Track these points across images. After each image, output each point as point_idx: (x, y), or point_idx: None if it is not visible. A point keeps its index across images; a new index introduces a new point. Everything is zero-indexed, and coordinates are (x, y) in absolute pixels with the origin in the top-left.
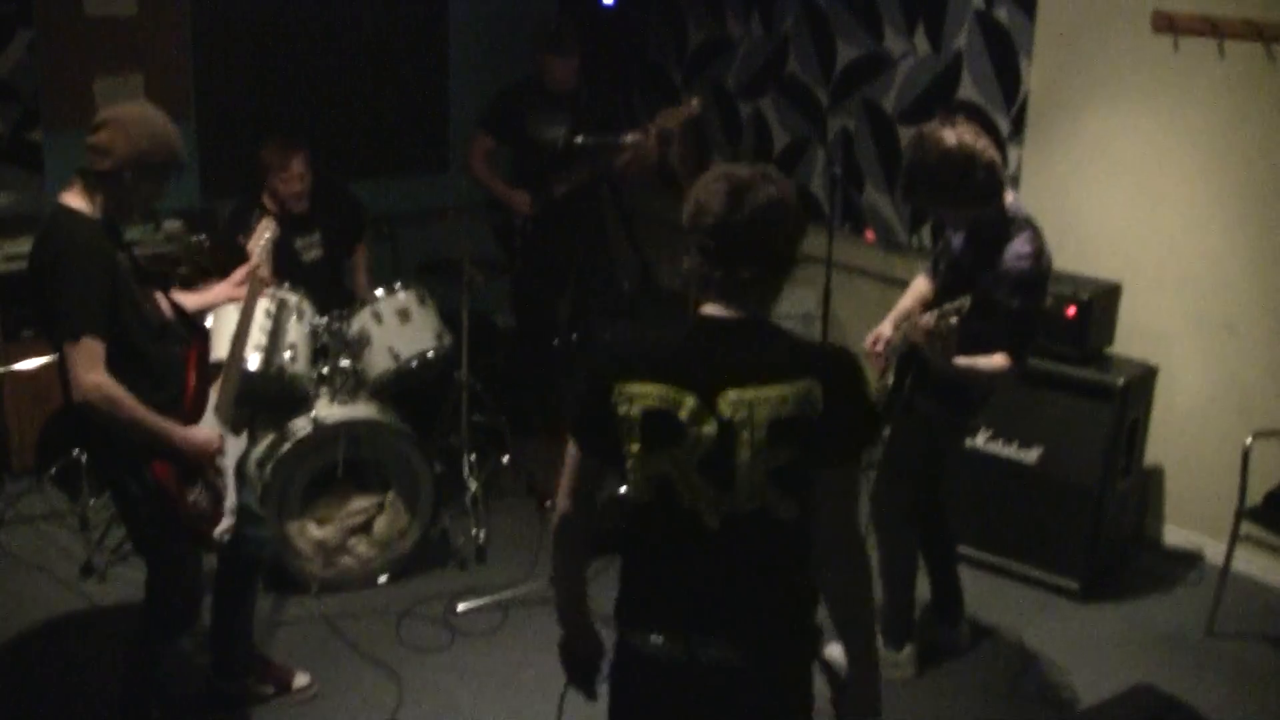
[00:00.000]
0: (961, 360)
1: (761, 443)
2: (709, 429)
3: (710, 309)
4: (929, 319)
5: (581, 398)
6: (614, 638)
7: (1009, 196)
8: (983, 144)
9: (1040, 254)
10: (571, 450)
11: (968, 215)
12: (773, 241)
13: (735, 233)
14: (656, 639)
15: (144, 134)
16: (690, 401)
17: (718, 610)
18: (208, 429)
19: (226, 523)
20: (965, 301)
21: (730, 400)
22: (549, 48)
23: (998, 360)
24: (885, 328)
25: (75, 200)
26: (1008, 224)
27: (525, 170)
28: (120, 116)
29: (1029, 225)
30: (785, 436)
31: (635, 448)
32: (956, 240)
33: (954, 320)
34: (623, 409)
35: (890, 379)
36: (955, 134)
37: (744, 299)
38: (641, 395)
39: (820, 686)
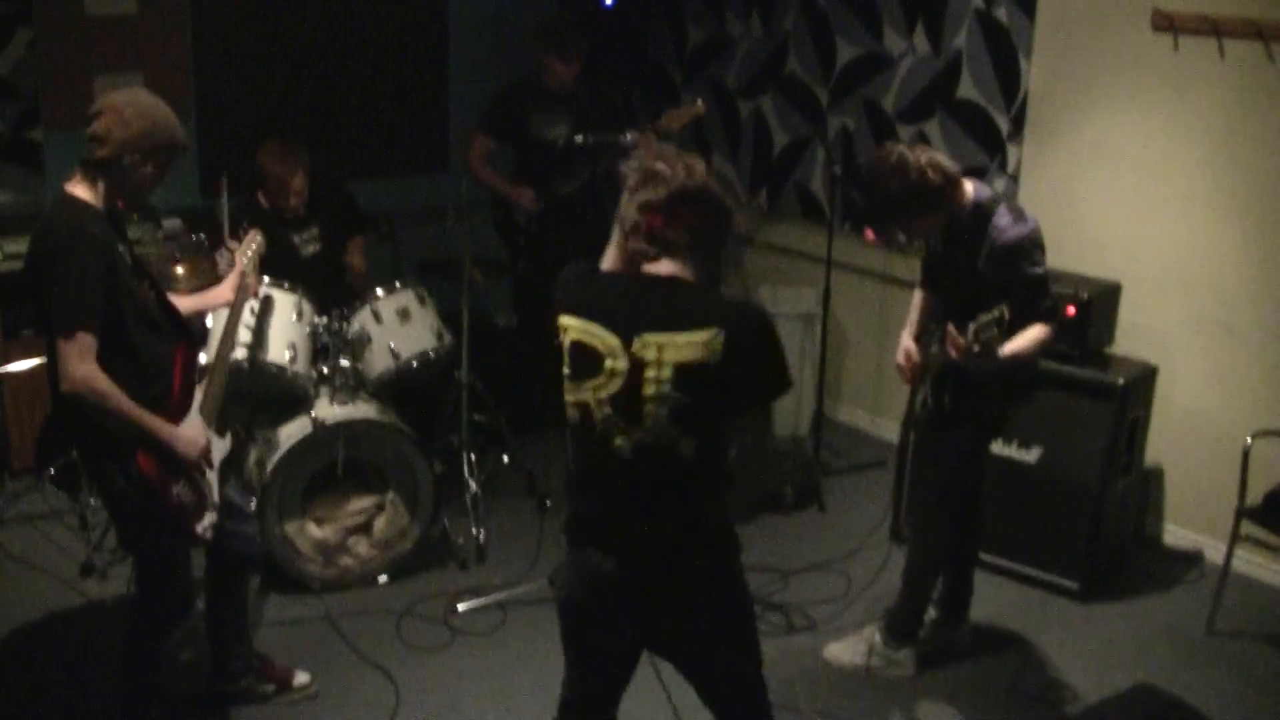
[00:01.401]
0: (1008, 347)
1: (666, 382)
2: (621, 366)
3: (653, 267)
4: (967, 337)
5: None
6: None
7: (969, 187)
8: (917, 150)
9: (1022, 216)
10: None
11: (938, 219)
12: (708, 212)
13: (687, 198)
14: (597, 556)
15: (140, 117)
16: (612, 341)
17: (632, 530)
18: (198, 438)
19: (210, 519)
20: (1004, 310)
21: (644, 343)
22: (553, 50)
23: (1038, 332)
24: (908, 342)
25: (78, 189)
26: (978, 209)
27: (527, 170)
28: (115, 103)
29: (999, 200)
30: (687, 380)
31: (566, 373)
32: (940, 247)
33: (995, 331)
34: (559, 337)
35: (928, 394)
36: (892, 154)
37: (689, 260)
38: (573, 328)
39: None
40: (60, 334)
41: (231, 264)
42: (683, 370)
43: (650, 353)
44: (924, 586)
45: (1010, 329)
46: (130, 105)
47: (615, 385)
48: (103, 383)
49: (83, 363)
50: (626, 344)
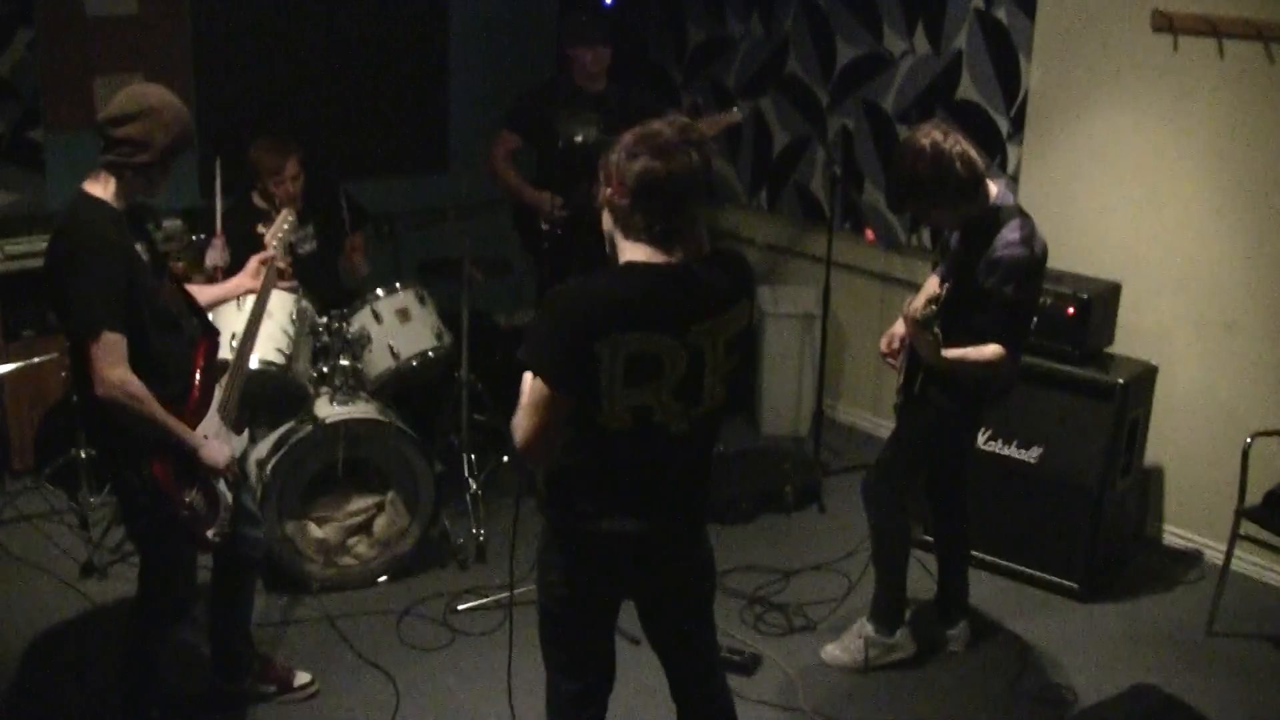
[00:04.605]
0: (952, 351)
1: (721, 359)
2: (681, 361)
3: (644, 256)
4: (913, 309)
5: (561, 348)
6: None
7: (995, 188)
8: (952, 139)
9: (1030, 239)
10: (541, 389)
11: (958, 214)
12: (696, 195)
13: (673, 187)
14: (627, 522)
15: (176, 120)
16: (667, 342)
17: (676, 494)
18: (223, 446)
19: (220, 525)
20: (943, 291)
21: (696, 332)
22: (575, 39)
23: (990, 350)
24: (898, 328)
25: (99, 189)
26: (996, 214)
27: (549, 172)
28: (152, 105)
29: (1018, 213)
30: (734, 348)
31: (618, 386)
32: (954, 239)
33: (933, 308)
34: (606, 356)
35: (902, 377)
36: (927, 137)
37: (676, 247)
38: (625, 343)
39: None
40: (87, 338)
41: (221, 257)
42: (731, 342)
43: (705, 340)
44: (893, 568)
45: (980, 339)
46: (166, 107)
47: (677, 377)
48: (138, 386)
49: (116, 366)
50: (681, 340)
